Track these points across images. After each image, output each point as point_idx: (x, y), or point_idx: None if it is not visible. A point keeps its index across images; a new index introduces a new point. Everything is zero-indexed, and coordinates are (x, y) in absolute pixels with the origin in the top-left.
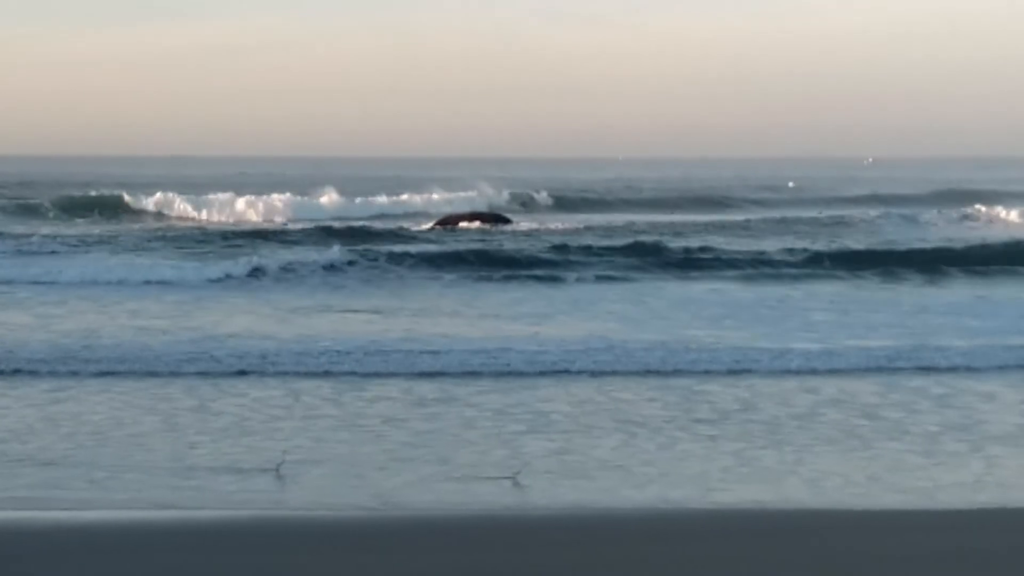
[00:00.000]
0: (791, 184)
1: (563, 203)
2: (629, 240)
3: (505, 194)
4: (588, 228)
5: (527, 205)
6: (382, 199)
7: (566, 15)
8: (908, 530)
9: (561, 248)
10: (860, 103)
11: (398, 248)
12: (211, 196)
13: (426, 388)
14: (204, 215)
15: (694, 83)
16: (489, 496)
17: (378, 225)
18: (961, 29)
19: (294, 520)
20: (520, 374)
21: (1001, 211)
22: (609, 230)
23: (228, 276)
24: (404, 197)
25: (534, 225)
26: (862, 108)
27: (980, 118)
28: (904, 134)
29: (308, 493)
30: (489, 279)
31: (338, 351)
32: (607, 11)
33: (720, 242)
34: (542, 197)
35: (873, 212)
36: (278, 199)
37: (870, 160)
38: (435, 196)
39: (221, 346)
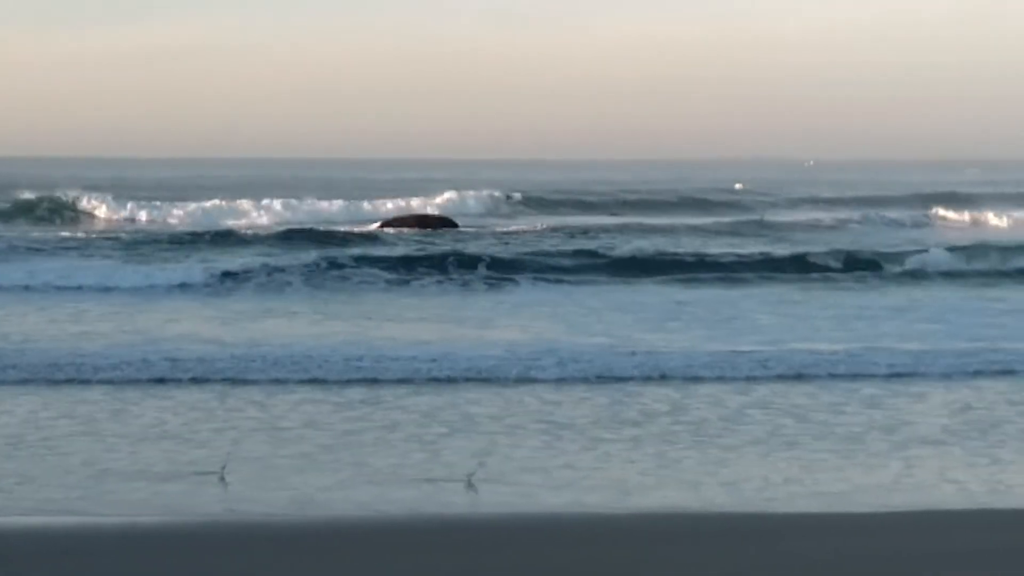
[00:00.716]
0: (738, 186)
1: (530, 204)
2: (578, 243)
3: (462, 197)
4: (539, 231)
5: (491, 209)
6: (328, 204)
7: (514, 17)
8: (824, 533)
9: (505, 251)
10: (802, 106)
11: (343, 251)
12: (157, 201)
13: (355, 393)
14: (144, 217)
15: (638, 86)
16: (408, 500)
17: (323, 228)
18: (901, 35)
19: (227, 524)
20: (449, 380)
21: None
22: (562, 232)
23: (183, 283)
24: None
25: (481, 228)
26: (803, 111)
27: (922, 122)
28: (844, 137)
29: (235, 497)
30: (427, 283)
31: (272, 356)
32: (557, 14)
33: (667, 244)
34: (493, 199)
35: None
36: (222, 203)
37: (811, 163)
38: (390, 204)
39: (157, 350)
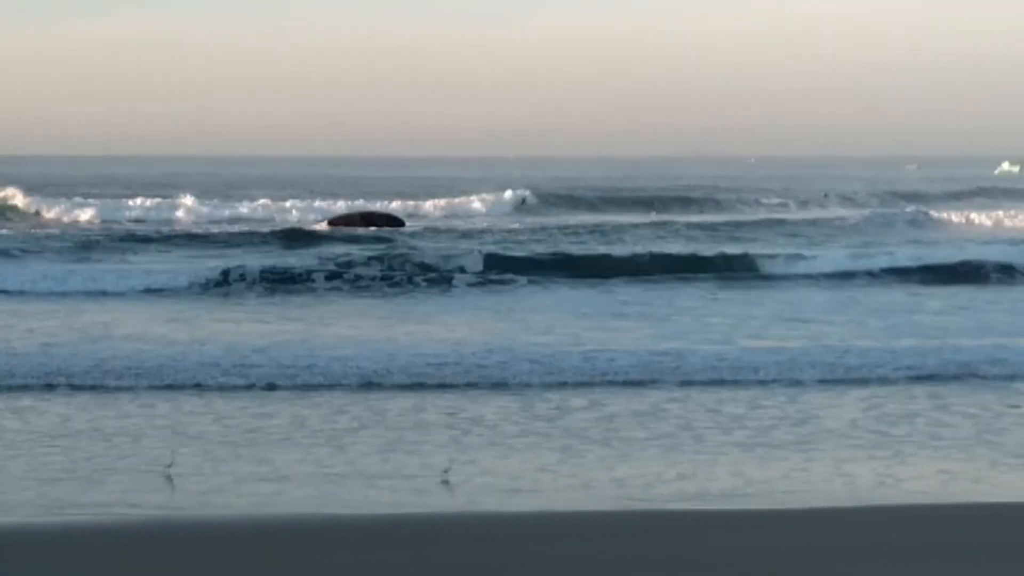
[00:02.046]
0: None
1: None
2: (523, 241)
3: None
4: (485, 230)
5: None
6: (242, 206)
7: (450, 14)
8: (710, 530)
9: (447, 255)
10: (743, 103)
11: (282, 252)
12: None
13: (266, 395)
14: (51, 215)
15: (577, 83)
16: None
17: (255, 229)
18: (837, 31)
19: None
20: (375, 384)
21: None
22: (510, 232)
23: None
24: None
25: (427, 227)
26: (744, 107)
27: (859, 119)
28: (786, 133)
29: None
30: (367, 286)
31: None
32: (497, 10)
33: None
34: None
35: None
36: (146, 202)
37: (753, 160)
38: (319, 201)
39: (75, 353)
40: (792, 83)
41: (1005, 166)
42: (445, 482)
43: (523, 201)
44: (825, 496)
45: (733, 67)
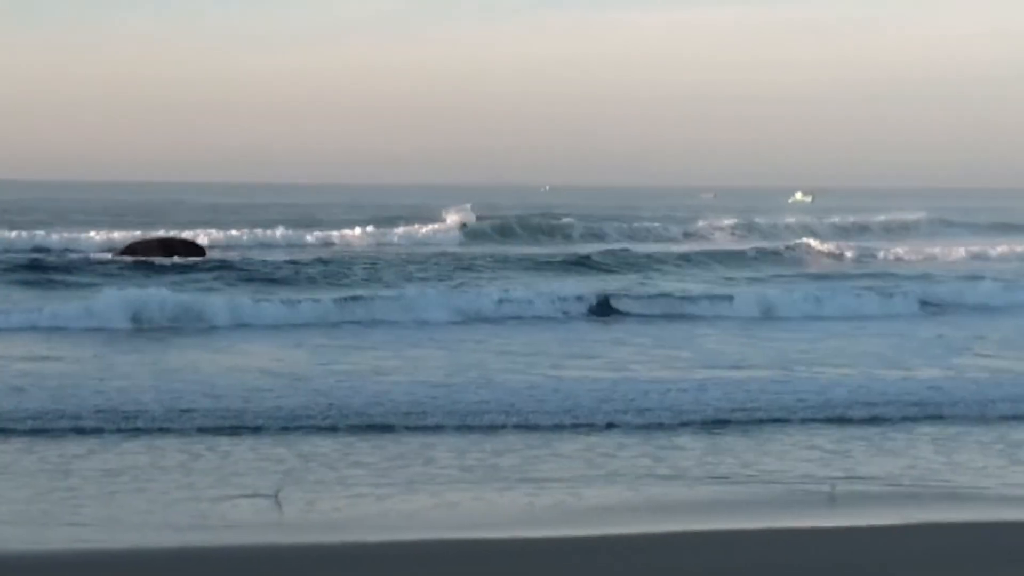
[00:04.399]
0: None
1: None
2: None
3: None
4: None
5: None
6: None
7: (263, 38)
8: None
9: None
10: (538, 131)
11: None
12: None
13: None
14: None
15: (376, 110)
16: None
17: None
18: (635, 60)
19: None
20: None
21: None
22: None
23: None
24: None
25: (233, 256)
26: (539, 135)
27: (652, 148)
28: (581, 161)
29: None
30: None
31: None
32: (309, 35)
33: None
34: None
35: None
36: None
37: (547, 188)
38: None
39: None
40: (588, 110)
41: (798, 196)
42: (277, 504)
43: None
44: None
45: (520, 94)
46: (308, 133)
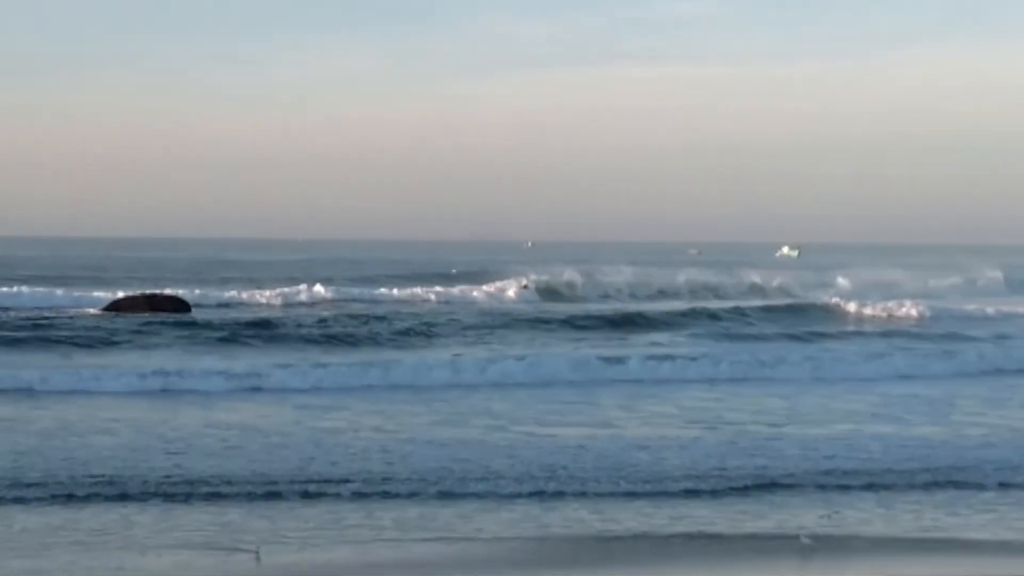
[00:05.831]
0: (454, 271)
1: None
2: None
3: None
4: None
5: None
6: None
7: (221, 94)
8: None
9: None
10: (518, 188)
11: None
12: None
13: None
14: None
15: (357, 167)
16: None
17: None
18: (612, 121)
19: None
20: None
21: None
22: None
23: None
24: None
25: (220, 316)
26: (519, 193)
27: (637, 205)
28: (564, 217)
29: None
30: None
31: None
32: (270, 92)
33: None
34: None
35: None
36: None
37: (530, 244)
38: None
39: None
40: (571, 165)
41: (785, 250)
42: (257, 559)
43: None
44: None
45: (512, 152)
46: (278, 189)
